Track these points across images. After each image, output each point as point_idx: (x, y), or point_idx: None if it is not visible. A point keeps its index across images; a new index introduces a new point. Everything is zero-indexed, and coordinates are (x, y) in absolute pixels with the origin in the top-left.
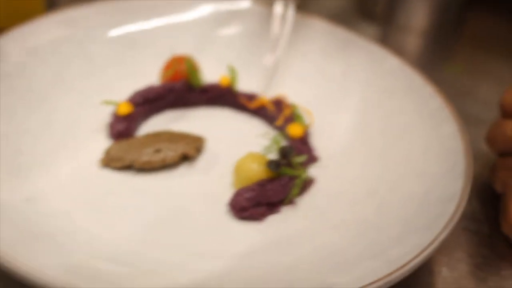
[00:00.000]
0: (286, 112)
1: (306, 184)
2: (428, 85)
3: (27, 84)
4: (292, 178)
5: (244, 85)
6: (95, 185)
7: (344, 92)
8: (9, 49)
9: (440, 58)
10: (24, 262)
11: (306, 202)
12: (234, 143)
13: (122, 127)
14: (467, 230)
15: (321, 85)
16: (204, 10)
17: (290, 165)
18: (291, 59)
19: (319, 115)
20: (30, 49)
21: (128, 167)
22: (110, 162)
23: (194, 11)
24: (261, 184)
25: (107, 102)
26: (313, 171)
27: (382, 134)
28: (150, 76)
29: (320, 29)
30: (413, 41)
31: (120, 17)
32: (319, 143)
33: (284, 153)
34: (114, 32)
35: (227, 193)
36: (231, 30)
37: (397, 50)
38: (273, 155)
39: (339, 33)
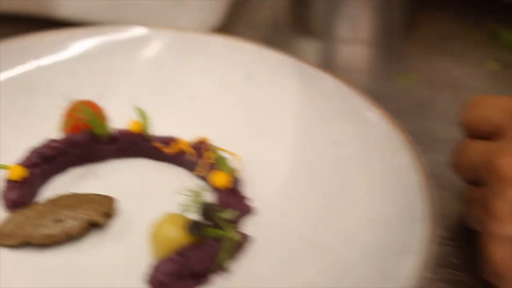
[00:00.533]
0: (207, 157)
1: (239, 244)
2: (373, 107)
3: None
4: (218, 240)
5: (159, 128)
6: None
7: (276, 124)
8: None
9: (392, 68)
10: None
11: (242, 267)
12: (149, 202)
13: (15, 196)
14: (440, 281)
15: (250, 119)
16: (100, 42)
17: (215, 224)
18: (213, 90)
19: (250, 156)
20: None
21: (25, 244)
22: (2, 239)
23: (89, 44)
24: (181, 253)
25: None
26: (248, 227)
27: (324, 171)
28: (48, 128)
29: (244, 53)
30: (360, 53)
31: (7, 59)
32: (252, 190)
33: (206, 210)
34: (4, 76)
35: (145, 265)
36: (140, 61)
37: (343, 65)
38: (195, 214)
39: (266, 55)
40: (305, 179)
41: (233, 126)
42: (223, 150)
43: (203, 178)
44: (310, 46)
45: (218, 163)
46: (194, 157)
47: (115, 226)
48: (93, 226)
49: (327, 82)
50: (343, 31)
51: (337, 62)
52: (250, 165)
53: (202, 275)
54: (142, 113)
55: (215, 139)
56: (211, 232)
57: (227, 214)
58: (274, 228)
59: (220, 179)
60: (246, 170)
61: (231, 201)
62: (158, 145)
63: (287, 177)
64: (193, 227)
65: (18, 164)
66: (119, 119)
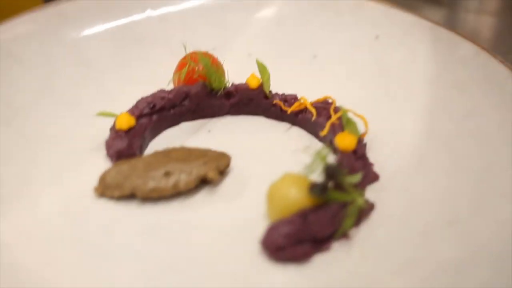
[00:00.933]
0: (334, 118)
1: (363, 212)
2: None
3: (4, 94)
4: (344, 205)
5: (277, 86)
6: (86, 223)
7: (406, 89)
8: None
9: None
10: None
11: (364, 236)
12: (267, 161)
13: (122, 146)
14: None
15: (377, 81)
16: None
17: (340, 187)
18: (338, 49)
19: (375, 121)
20: (9, 50)
21: (129, 197)
22: (106, 190)
23: None
24: (302, 215)
25: (103, 114)
26: (371, 194)
27: (458, 141)
28: (159, 79)
29: (373, 12)
30: (486, 23)
31: (118, 8)
32: (377, 156)
33: (331, 172)
34: (115, 24)
35: (259, 228)
36: (258, 18)
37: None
38: (318, 176)
39: (397, 16)
40: (435, 149)
41: (357, 87)
42: (351, 112)
43: (326, 140)
44: (436, 13)
45: (346, 125)
46: (317, 117)
47: (228, 185)
48: (204, 183)
49: (464, 48)
50: (471, 1)
51: (463, 31)
52: (376, 130)
53: (323, 241)
54: (262, 68)
55: (337, 100)
56: (336, 196)
57: (354, 178)
58: (398, 197)
59: (347, 141)
60: (372, 135)
61: (357, 166)
62: (278, 102)
63: (416, 146)
64: (318, 188)
65: (126, 112)
66: (235, 74)
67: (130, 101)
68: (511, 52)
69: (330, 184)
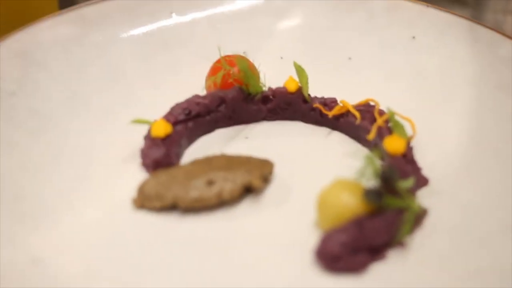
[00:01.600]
0: (381, 121)
1: (418, 217)
2: None
3: (30, 103)
4: (400, 211)
5: (313, 90)
6: (126, 235)
7: (447, 91)
8: (7, 56)
9: None
10: None
11: (419, 243)
12: (311, 167)
13: (159, 154)
14: None
15: (416, 83)
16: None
17: (394, 193)
18: (374, 51)
19: (418, 123)
20: (33, 57)
21: (171, 208)
22: (146, 202)
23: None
24: (358, 223)
25: (138, 121)
26: (422, 199)
27: (506, 143)
28: (193, 84)
29: (408, 12)
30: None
31: (148, 10)
32: (424, 160)
33: (387, 176)
34: (141, 30)
35: (310, 237)
36: (288, 21)
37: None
38: (370, 181)
39: (433, 15)
40: (484, 152)
41: (396, 89)
42: (398, 115)
43: (371, 144)
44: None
45: (395, 128)
46: (361, 121)
47: (274, 192)
48: (248, 191)
49: (506, 46)
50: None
51: None
52: (420, 133)
53: (380, 249)
54: (300, 70)
55: (382, 103)
56: (392, 201)
57: (408, 183)
58: (452, 203)
59: (397, 145)
60: (418, 138)
61: (408, 170)
62: (319, 106)
63: (463, 149)
64: (372, 194)
65: (162, 119)
66: (269, 78)
67: (161, 109)
68: None
69: (385, 189)
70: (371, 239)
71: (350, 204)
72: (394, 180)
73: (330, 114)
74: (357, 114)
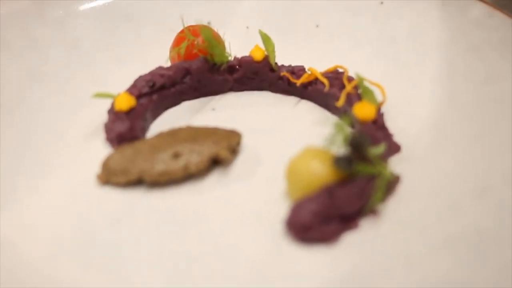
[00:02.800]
0: (350, 87)
1: (390, 185)
2: None
3: None
4: (371, 178)
5: (281, 59)
6: (91, 213)
7: (417, 56)
8: None
9: None
10: None
11: (393, 211)
12: (280, 137)
13: (123, 128)
14: None
15: (385, 48)
16: None
17: (366, 159)
18: (341, 17)
19: (389, 89)
20: None
21: (136, 182)
22: (111, 177)
23: None
24: (328, 191)
25: (100, 95)
26: (394, 166)
27: (479, 107)
28: (156, 56)
29: None
30: None
31: None
32: (395, 126)
33: (357, 143)
34: (101, 2)
35: (280, 207)
36: None
37: None
38: (340, 148)
39: None
40: (456, 117)
41: (365, 56)
42: (367, 81)
43: (340, 112)
44: None
45: (364, 94)
46: (330, 88)
47: (242, 164)
48: (216, 163)
49: (476, 9)
50: None
51: None
52: (391, 99)
53: (352, 218)
54: (266, 38)
55: (351, 69)
56: (363, 168)
57: (379, 150)
58: (425, 170)
59: (366, 111)
60: (389, 104)
61: (379, 136)
62: (286, 74)
63: (435, 114)
64: (342, 161)
65: (125, 92)
66: (235, 48)
67: (125, 82)
68: None
69: (356, 156)
70: (343, 207)
71: (320, 172)
72: (365, 146)
73: (298, 82)
74: (325, 81)
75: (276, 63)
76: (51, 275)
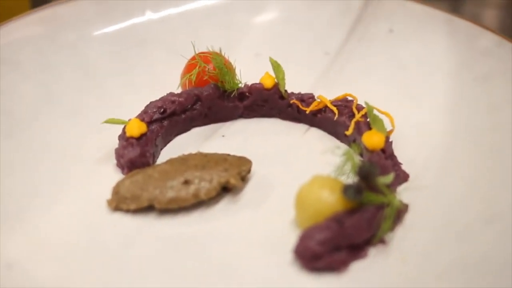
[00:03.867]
0: (359, 116)
1: (399, 213)
2: None
3: (2, 103)
4: (380, 207)
5: (290, 86)
6: (101, 238)
7: (426, 84)
8: None
9: None
10: None
11: (400, 240)
12: (289, 165)
13: (134, 154)
14: None
15: (394, 77)
16: None
17: (374, 189)
18: (350, 45)
19: (399, 117)
20: (5, 57)
21: (146, 209)
22: (121, 203)
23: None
24: (337, 220)
25: (111, 121)
26: (402, 195)
27: (486, 135)
28: (167, 82)
29: (385, 5)
30: (491, 14)
31: (121, 7)
32: (403, 155)
33: (366, 172)
34: (114, 27)
35: (290, 236)
36: (262, 17)
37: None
38: (349, 177)
39: (411, 8)
40: (464, 146)
41: (374, 84)
42: (376, 109)
43: (349, 140)
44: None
45: (373, 123)
46: (338, 116)
47: (251, 191)
48: (226, 190)
49: (485, 38)
50: None
51: None
52: (398, 128)
53: (360, 247)
54: (276, 66)
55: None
56: (372, 198)
57: (387, 179)
58: (433, 198)
59: (376, 140)
60: (397, 133)
61: (388, 165)
62: (296, 102)
63: (443, 143)
64: (351, 190)
65: (136, 118)
66: (245, 75)
67: (136, 108)
68: None
69: (365, 185)
70: (352, 236)
71: (329, 201)
72: (374, 175)
73: (308, 110)
74: (334, 109)
75: (286, 91)
76: None
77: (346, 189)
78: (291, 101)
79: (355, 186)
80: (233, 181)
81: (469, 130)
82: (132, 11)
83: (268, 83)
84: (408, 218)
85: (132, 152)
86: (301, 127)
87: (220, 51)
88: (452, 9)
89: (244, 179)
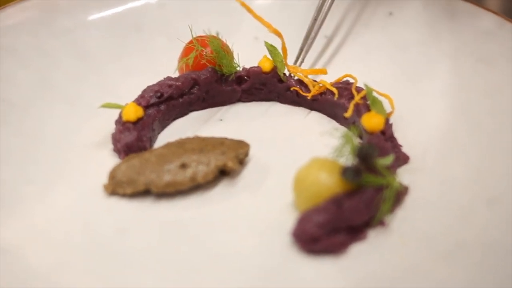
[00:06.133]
0: (358, 97)
1: (399, 195)
2: None
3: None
4: (379, 189)
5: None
6: (98, 223)
7: (427, 67)
8: None
9: None
10: None
11: (400, 222)
12: (288, 148)
13: (131, 139)
14: None
15: (394, 60)
16: None
17: (373, 170)
18: (350, 28)
19: (398, 100)
20: (1, 43)
21: (143, 193)
22: (118, 187)
23: None
24: (336, 202)
25: (108, 106)
26: (403, 176)
27: (488, 117)
28: (164, 66)
29: None
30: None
31: None
32: (404, 137)
33: (365, 154)
34: (110, 12)
35: (287, 219)
36: (266, 0)
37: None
38: (348, 159)
39: None
40: (466, 127)
41: (374, 67)
42: (376, 91)
43: (349, 122)
44: None
45: (372, 104)
46: (338, 98)
47: (250, 174)
48: (223, 174)
49: (486, 20)
50: None
51: None
52: (399, 110)
53: (359, 229)
54: (273, 49)
55: (360, 80)
56: (371, 179)
57: (387, 160)
58: (433, 180)
59: (375, 121)
60: (397, 115)
61: (387, 147)
62: (296, 88)
63: (444, 125)
64: (350, 172)
65: (133, 102)
66: (244, 59)
67: (133, 92)
68: None
69: (364, 167)
70: (350, 218)
71: (328, 183)
72: (373, 157)
73: (309, 95)
74: (334, 90)
75: (285, 74)
76: (57, 283)
77: (345, 171)
78: (292, 88)
79: (353, 168)
80: (230, 164)
81: (470, 112)
82: None
83: (266, 67)
84: (408, 200)
85: (129, 137)
86: (300, 111)
87: (218, 34)
88: None
89: (242, 162)
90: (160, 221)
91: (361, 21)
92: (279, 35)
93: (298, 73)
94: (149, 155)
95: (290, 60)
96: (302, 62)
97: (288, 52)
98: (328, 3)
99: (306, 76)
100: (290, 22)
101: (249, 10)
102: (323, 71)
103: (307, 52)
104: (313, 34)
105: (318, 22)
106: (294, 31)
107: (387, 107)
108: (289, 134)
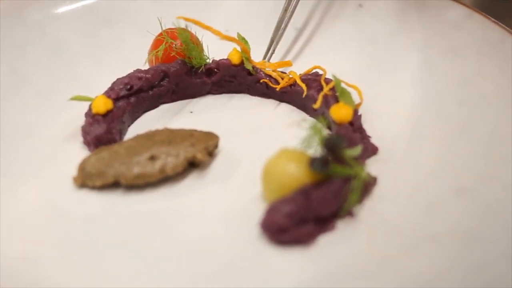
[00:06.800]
0: (327, 89)
1: (367, 186)
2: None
3: None
4: (347, 179)
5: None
6: (67, 215)
7: (396, 58)
8: None
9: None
10: None
11: (369, 212)
12: (257, 140)
13: (100, 131)
14: None
15: (364, 51)
16: None
17: (341, 161)
18: (320, 20)
19: (367, 91)
20: None
21: (112, 185)
22: (87, 180)
23: None
24: (304, 193)
25: (77, 98)
26: (371, 167)
27: (457, 108)
28: (134, 58)
29: None
30: None
31: None
32: (373, 128)
33: (332, 145)
34: (80, 4)
35: (256, 210)
36: None
37: None
38: (316, 150)
39: None
40: (434, 118)
41: (344, 58)
42: (345, 83)
43: (318, 114)
44: None
45: (341, 96)
46: (308, 90)
47: (218, 166)
48: (192, 166)
49: (455, 11)
50: None
51: None
52: (368, 101)
53: (327, 220)
54: (244, 41)
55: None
56: (339, 170)
57: (355, 151)
58: (402, 171)
59: (343, 112)
60: (366, 106)
61: (356, 138)
62: (266, 81)
63: (413, 116)
64: (319, 163)
65: (102, 95)
66: (214, 52)
67: (103, 84)
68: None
69: (331, 157)
70: (318, 209)
71: (296, 174)
72: (340, 148)
73: (278, 87)
74: (303, 85)
75: (253, 67)
76: (28, 275)
77: (313, 161)
78: (262, 80)
79: (321, 159)
80: (199, 156)
81: (439, 103)
82: None
83: (236, 59)
84: (377, 190)
85: (98, 129)
86: (270, 103)
87: (187, 26)
88: None
89: (211, 154)
90: (130, 212)
91: (331, 13)
92: (232, 40)
93: (265, 69)
94: (118, 147)
95: (258, 55)
96: (273, 53)
97: (258, 43)
98: None
99: (274, 70)
100: (260, 13)
101: (197, 22)
102: (288, 63)
103: (277, 43)
104: (283, 25)
105: (288, 14)
106: (265, 23)
107: (356, 98)
108: (258, 125)
